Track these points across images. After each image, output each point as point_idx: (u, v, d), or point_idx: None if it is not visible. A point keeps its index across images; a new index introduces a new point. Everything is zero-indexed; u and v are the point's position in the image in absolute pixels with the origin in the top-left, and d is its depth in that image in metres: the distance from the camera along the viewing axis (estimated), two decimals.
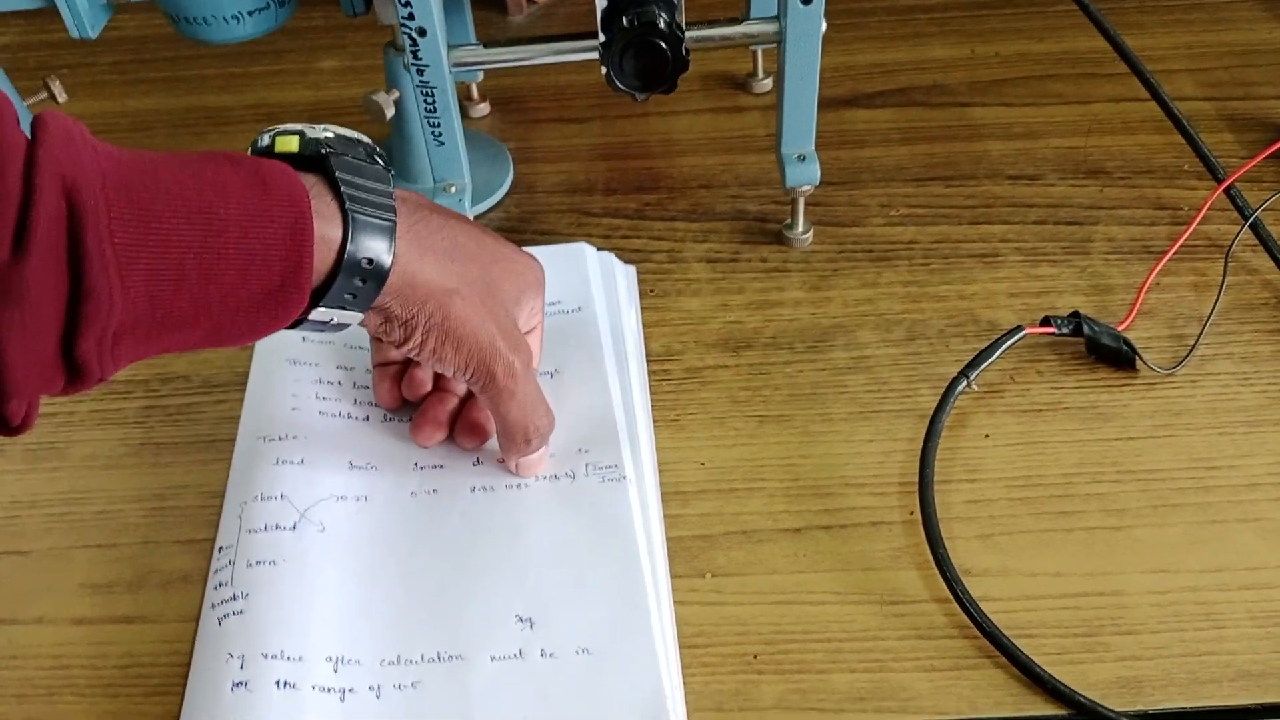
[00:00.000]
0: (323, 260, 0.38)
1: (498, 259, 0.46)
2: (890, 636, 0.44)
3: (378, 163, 0.41)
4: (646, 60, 0.51)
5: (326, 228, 0.38)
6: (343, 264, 0.39)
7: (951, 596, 0.44)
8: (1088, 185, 0.64)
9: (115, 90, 0.77)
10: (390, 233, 0.40)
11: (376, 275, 0.40)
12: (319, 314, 0.40)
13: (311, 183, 0.39)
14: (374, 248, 0.39)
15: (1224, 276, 0.57)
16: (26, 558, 0.48)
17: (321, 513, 0.47)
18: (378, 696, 0.42)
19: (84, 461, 0.52)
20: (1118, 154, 0.66)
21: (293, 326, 0.40)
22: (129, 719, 0.43)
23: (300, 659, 0.42)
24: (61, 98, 0.64)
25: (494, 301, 0.44)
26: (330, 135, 0.41)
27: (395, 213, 0.40)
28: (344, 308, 0.40)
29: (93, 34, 0.59)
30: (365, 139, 0.43)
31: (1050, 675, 0.42)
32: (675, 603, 0.45)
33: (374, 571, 0.45)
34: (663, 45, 0.50)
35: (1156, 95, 0.64)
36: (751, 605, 0.45)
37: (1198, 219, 0.59)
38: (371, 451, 0.50)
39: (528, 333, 0.48)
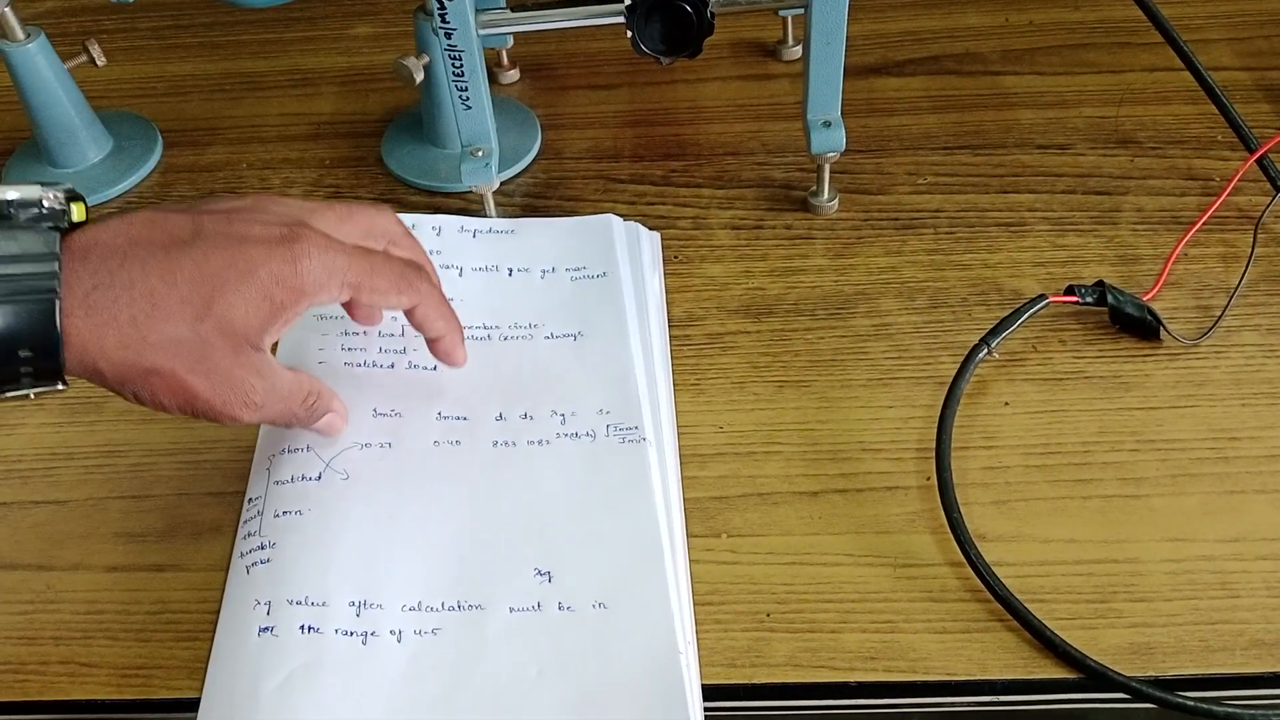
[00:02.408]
0: None
1: (222, 289, 0.39)
2: (902, 598, 0.44)
3: (44, 224, 0.37)
4: (671, 24, 0.52)
5: None
6: None
7: (965, 560, 0.44)
8: (1118, 155, 0.63)
9: (153, 55, 0.78)
10: (47, 313, 0.36)
11: (45, 359, 0.37)
12: (9, 395, 0.38)
13: None
14: (30, 337, 0.36)
15: (1253, 248, 0.56)
16: (64, 507, 0.50)
17: (345, 461, 0.48)
18: (399, 641, 0.43)
19: (120, 416, 0.54)
20: (1150, 124, 0.65)
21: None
22: (159, 663, 0.44)
23: (324, 604, 0.44)
24: (101, 61, 0.65)
25: (212, 359, 0.40)
26: None
27: (56, 285, 0.36)
28: (35, 386, 0.37)
29: None
30: (35, 192, 0.38)
31: (1061, 639, 0.42)
32: (691, 561, 0.46)
33: (396, 516, 0.47)
34: (687, 9, 0.51)
35: (1190, 65, 0.63)
36: (765, 565, 0.46)
37: (1228, 189, 0.59)
38: (395, 399, 0.51)
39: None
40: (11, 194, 0.38)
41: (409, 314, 0.47)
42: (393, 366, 0.53)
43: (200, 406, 0.40)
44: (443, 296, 0.48)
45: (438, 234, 0.59)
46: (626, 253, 0.58)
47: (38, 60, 0.63)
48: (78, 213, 0.39)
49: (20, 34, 0.62)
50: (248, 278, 0.40)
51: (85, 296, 0.37)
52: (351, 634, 0.43)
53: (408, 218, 0.60)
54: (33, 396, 0.39)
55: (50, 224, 0.38)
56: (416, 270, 0.46)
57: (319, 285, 0.42)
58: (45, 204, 0.38)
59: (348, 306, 0.50)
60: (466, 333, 0.54)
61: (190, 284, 0.39)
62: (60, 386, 0.38)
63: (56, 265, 0.37)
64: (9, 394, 0.38)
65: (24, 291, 0.36)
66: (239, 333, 0.40)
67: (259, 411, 0.42)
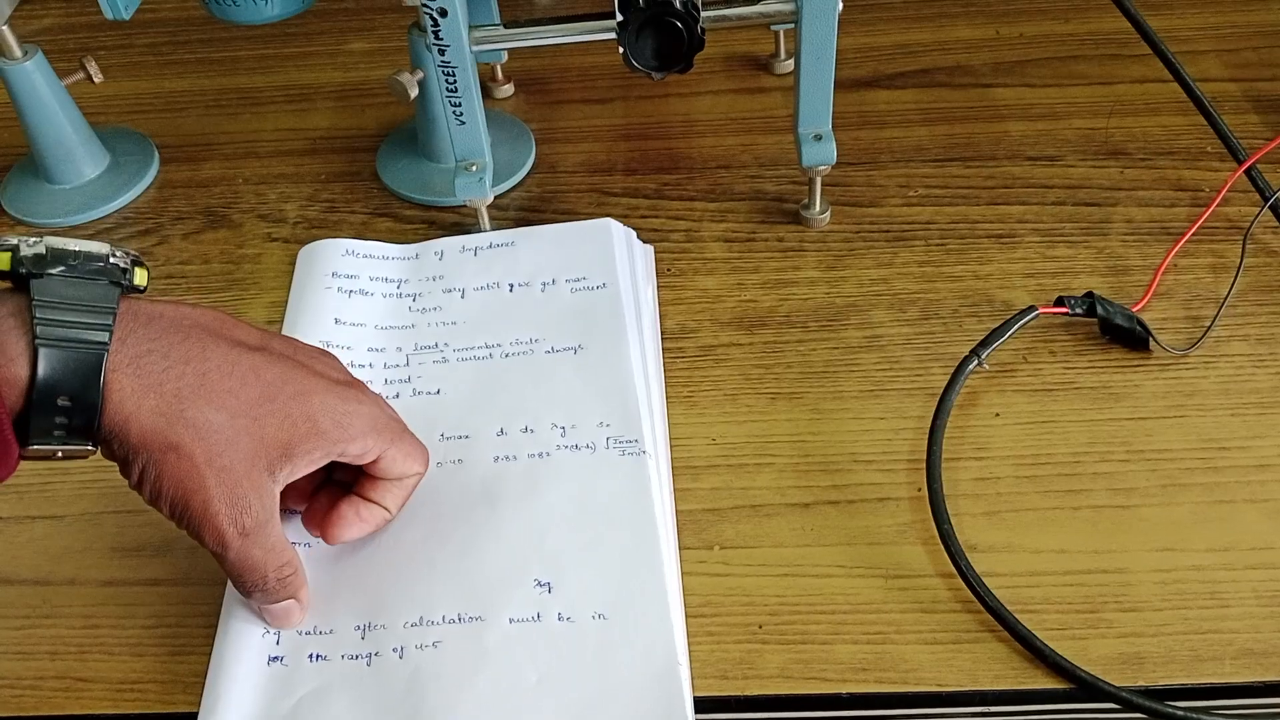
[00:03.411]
0: (14, 400, 0.36)
1: (271, 399, 0.40)
2: (893, 609, 0.45)
3: (104, 278, 0.38)
4: (663, 40, 0.52)
5: (11, 365, 0.35)
6: (33, 403, 0.36)
7: (955, 571, 0.45)
8: (1108, 166, 0.64)
9: (150, 71, 0.78)
10: (92, 365, 0.36)
11: (82, 412, 0.36)
12: (38, 450, 0.37)
13: (6, 311, 0.36)
14: (71, 385, 0.36)
15: (1242, 258, 0.56)
16: (60, 522, 0.50)
17: None
18: (401, 657, 0.43)
19: None
20: (1139, 135, 0.66)
21: (24, 459, 0.37)
22: (155, 677, 0.44)
23: (331, 632, 0.44)
24: (98, 78, 0.66)
25: (232, 456, 0.39)
26: (45, 250, 0.37)
27: (107, 339, 0.37)
28: (65, 442, 0.37)
29: (126, 15, 0.60)
30: (104, 248, 0.39)
31: (1051, 650, 0.42)
32: (683, 573, 0.46)
33: (399, 539, 0.47)
34: (678, 25, 0.51)
35: (1179, 76, 0.64)
36: (758, 577, 0.46)
37: (1217, 200, 0.59)
38: None
39: (295, 484, 0.42)
40: (76, 246, 0.38)
41: (390, 479, 0.45)
42: (397, 396, 0.53)
43: (197, 504, 0.39)
44: None
45: (440, 259, 0.60)
46: (626, 258, 0.58)
47: (35, 77, 0.64)
48: (140, 277, 0.40)
49: (17, 51, 0.63)
50: (300, 398, 0.41)
51: (137, 358, 0.38)
52: (357, 657, 0.43)
53: (410, 248, 0.60)
54: (60, 456, 0.38)
55: (110, 280, 0.38)
56: (426, 449, 0.46)
57: (360, 433, 0.42)
58: (110, 260, 0.39)
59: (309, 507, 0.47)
60: (469, 354, 0.55)
61: (244, 381, 0.40)
62: (89, 447, 0.38)
63: (111, 320, 0.37)
64: (36, 447, 0.37)
65: (73, 340, 0.36)
66: (266, 443, 0.40)
67: (241, 542, 0.40)
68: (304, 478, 0.43)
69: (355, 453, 0.42)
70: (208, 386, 0.39)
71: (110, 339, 0.37)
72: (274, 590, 0.43)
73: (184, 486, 0.38)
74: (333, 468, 0.45)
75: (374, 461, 0.44)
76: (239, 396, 0.39)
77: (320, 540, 0.46)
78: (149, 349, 0.38)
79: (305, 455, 0.41)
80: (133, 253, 0.40)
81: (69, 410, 0.36)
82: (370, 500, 0.45)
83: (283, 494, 0.42)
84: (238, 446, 0.39)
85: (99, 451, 0.39)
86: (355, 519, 0.45)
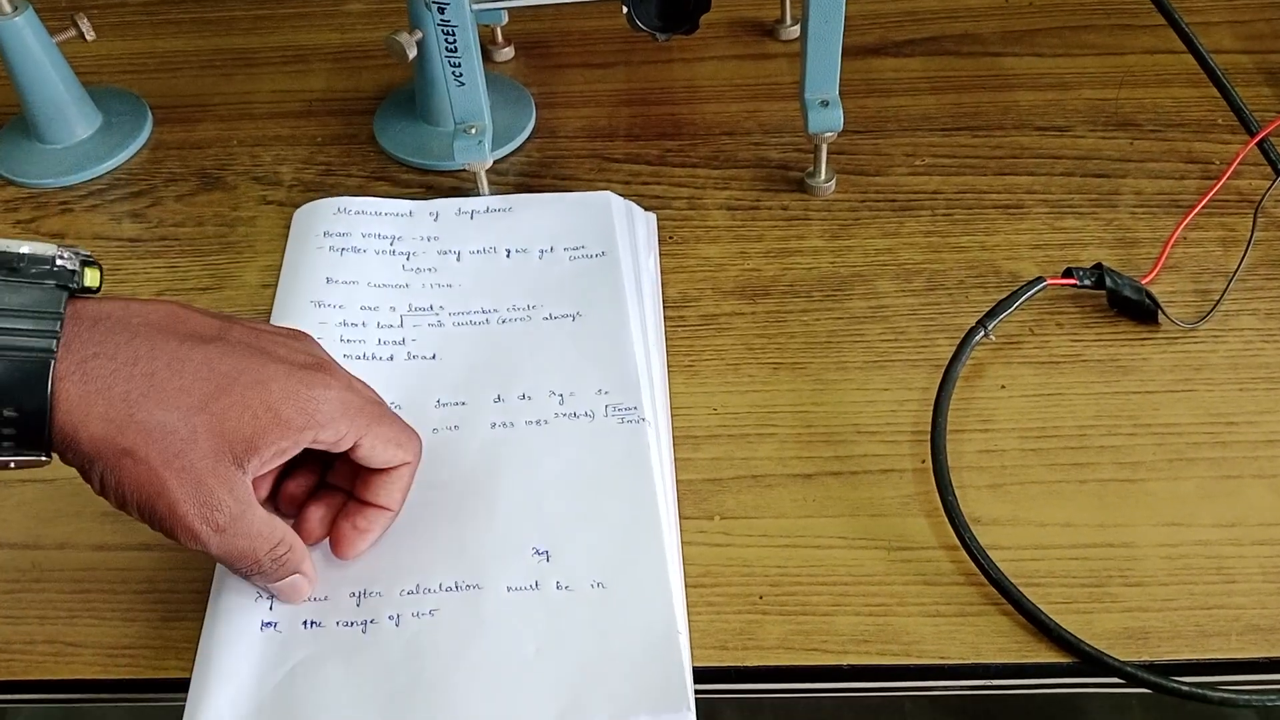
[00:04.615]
0: None
1: (226, 391, 0.38)
2: (896, 581, 0.44)
3: (49, 282, 0.37)
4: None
5: None
6: None
7: (959, 544, 0.44)
8: (1117, 137, 0.63)
9: (144, 30, 0.77)
10: (39, 373, 0.35)
11: (30, 423, 0.35)
12: None
13: None
14: (17, 395, 0.35)
15: (1253, 232, 0.56)
16: (51, 485, 0.49)
17: None
18: (397, 625, 0.43)
19: None
20: (1150, 106, 0.65)
21: None
22: (146, 642, 0.44)
23: (325, 598, 0.44)
24: (90, 36, 0.64)
25: (191, 456, 0.37)
26: None
27: (53, 346, 0.36)
28: (16, 454, 0.36)
29: None
30: (50, 250, 0.37)
31: (1056, 624, 0.42)
32: (683, 543, 0.46)
33: None
34: None
35: (1192, 47, 0.63)
36: (759, 548, 0.45)
37: (1228, 173, 0.58)
38: (394, 390, 0.50)
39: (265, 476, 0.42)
40: (24, 248, 0.37)
41: (380, 473, 0.44)
42: (391, 358, 0.52)
43: (163, 507, 0.37)
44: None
45: (434, 219, 0.59)
46: (627, 232, 0.57)
47: (25, 34, 0.62)
48: (91, 278, 0.38)
49: (7, 7, 0.61)
50: (258, 387, 0.39)
51: (83, 363, 0.36)
52: (352, 624, 0.43)
53: (404, 204, 0.59)
54: (13, 466, 0.37)
55: (58, 283, 0.37)
56: (416, 435, 0.44)
57: (329, 419, 0.40)
58: (58, 263, 0.37)
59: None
60: (465, 318, 0.54)
61: (196, 377, 0.38)
62: (43, 458, 0.37)
63: (58, 325, 0.36)
64: None
65: (18, 348, 0.35)
66: (228, 438, 0.38)
67: (219, 537, 0.39)
68: (294, 483, 0.42)
69: (328, 439, 0.41)
70: (157, 386, 0.37)
71: (57, 345, 0.36)
72: (272, 572, 0.41)
73: (145, 491, 0.37)
74: (325, 470, 0.44)
75: (355, 449, 0.42)
76: (191, 394, 0.38)
77: None
78: (95, 352, 0.37)
79: (271, 446, 0.39)
80: (83, 253, 0.38)
81: (16, 421, 0.35)
82: (367, 503, 0.44)
83: (273, 499, 0.42)
84: (196, 445, 0.38)
85: (58, 459, 0.37)
86: (353, 532, 0.44)
